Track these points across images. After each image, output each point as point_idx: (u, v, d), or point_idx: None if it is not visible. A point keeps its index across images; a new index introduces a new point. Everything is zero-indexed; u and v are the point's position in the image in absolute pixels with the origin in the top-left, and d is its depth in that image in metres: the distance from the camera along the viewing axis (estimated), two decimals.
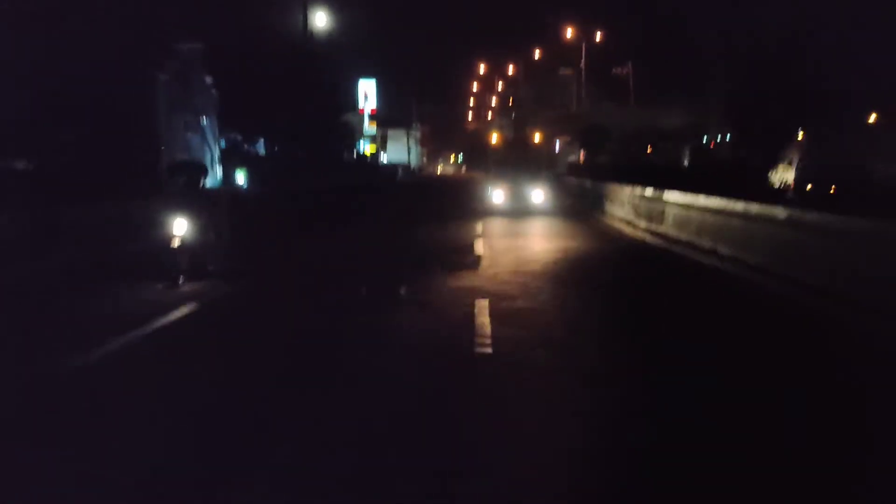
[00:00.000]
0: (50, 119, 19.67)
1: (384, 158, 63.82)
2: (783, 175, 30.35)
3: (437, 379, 5.69)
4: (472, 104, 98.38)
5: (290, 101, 33.88)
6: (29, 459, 4.26)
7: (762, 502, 3.74)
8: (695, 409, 4.94)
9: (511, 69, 77.65)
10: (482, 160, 43.69)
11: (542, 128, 54.01)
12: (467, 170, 77.68)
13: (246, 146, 38.83)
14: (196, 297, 9.00)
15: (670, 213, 14.82)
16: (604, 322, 7.83)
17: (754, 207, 10.93)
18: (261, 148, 40.20)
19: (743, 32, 30.23)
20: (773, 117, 29.22)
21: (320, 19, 37.78)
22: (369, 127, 57.15)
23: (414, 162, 74.44)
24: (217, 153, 32.69)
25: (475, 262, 11.88)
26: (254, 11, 33.18)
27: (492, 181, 23.71)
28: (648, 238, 15.23)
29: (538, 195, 22.09)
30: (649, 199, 16.42)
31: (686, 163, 40.52)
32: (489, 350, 6.40)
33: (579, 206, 24.21)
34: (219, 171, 32.14)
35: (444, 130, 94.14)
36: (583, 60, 58.12)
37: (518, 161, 25.73)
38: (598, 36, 57.42)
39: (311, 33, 36.12)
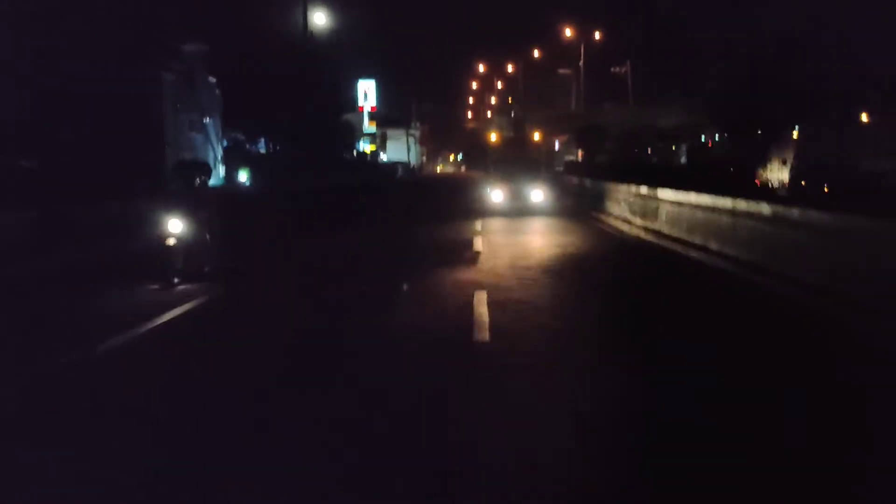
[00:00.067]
0: (50, 119, 19.67)
1: (384, 157, 63.80)
2: (778, 173, 30.39)
3: (437, 379, 5.69)
4: (471, 103, 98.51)
5: (291, 100, 33.90)
6: (28, 459, 4.26)
7: (762, 502, 3.74)
8: (694, 409, 4.94)
9: (510, 69, 77.75)
10: (481, 159, 43.71)
11: (541, 127, 54.03)
12: (467, 169, 77.58)
13: (248, 146, 38.89)
14: (192, 297, 8.98)
15: (663, 210, 14.95)
16: (595, 312, 7.94)
17: (741, 204, 11.04)
18: (262, 147, 40.25)
19: (743, 32, 30.21)
20: (767, 116, 29.25)
21: (320, 19, 37.81)
22: (369, 126, 57.18)
23: (413, 161, 74.40)
24: (220, 152, 32.74)
25: (474, 258, 12.05)
26: (254, 12, 33.23)
27: (491, 180, 23.68)
28: (643, 235, 15.38)
29: (537, 194, 22.08)
30: (644, 197, 16.52)
31: (683, 161, 40.60)
32: (487, 342, 6.48)
33: (577, 204, 24.18)
34: (221, 170, 32.19)
35: (443, 130, 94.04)
36: (582, 60, 58.17)
37: (517, 160, 25.73)
38: (598, 35, 57.50)
39: (311, 33, 36.11)
